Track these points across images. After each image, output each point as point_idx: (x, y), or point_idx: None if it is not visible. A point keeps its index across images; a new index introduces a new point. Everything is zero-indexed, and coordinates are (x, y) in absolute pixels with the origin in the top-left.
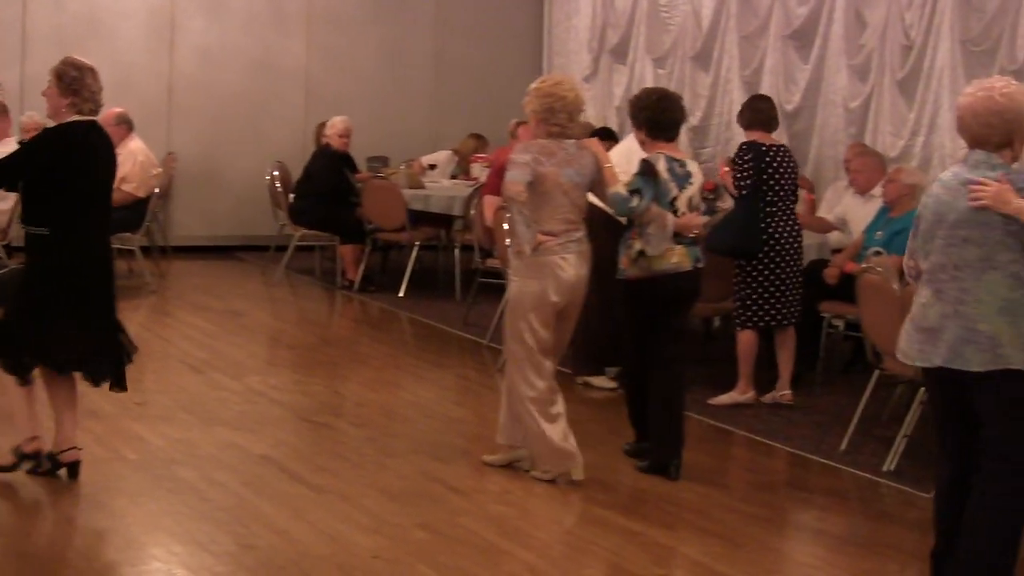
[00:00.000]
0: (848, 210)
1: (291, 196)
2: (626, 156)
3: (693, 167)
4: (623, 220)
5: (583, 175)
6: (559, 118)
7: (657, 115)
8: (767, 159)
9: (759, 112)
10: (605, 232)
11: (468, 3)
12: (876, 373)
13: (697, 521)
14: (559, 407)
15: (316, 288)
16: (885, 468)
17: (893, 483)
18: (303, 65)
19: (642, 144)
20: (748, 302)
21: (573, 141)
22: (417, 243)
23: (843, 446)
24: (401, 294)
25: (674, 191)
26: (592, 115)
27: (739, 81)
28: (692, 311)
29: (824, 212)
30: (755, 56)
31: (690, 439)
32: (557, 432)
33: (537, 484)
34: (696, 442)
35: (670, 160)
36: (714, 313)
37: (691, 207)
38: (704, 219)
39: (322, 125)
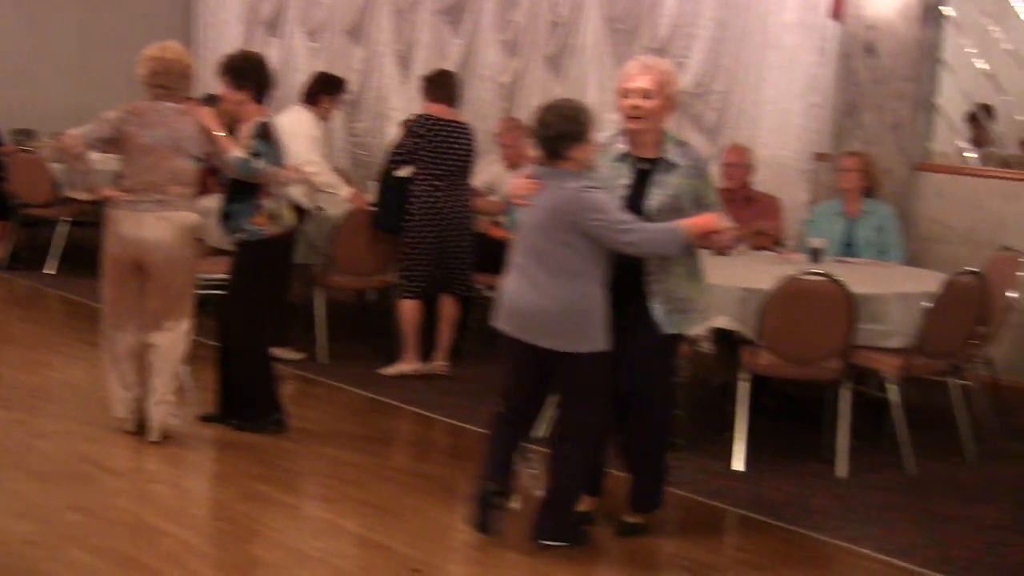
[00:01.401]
0: (498, 181)
1: None
2: (289, 129)
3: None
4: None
5: (176, 139)
6: (160, 79)
7: (265, 80)
8: (443, 133)
9: (444, 87)
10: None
11: None
12: None
13: (355, 493)
14: (132, 363)
15: None
16: (539, 435)
17: (545, 448)
18: None
19: (240, 104)
20: (409, 272)
21: (174, 105)
22: (67, 218)
23: None
24: (51, 271)
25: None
26: None
27: (393, 55)
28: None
29: (475, 183)
30: (408, 31)
31: (346, 411)
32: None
33: (195, 462)
34: (352, 414)
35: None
36: (368, 286)
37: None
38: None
39: None
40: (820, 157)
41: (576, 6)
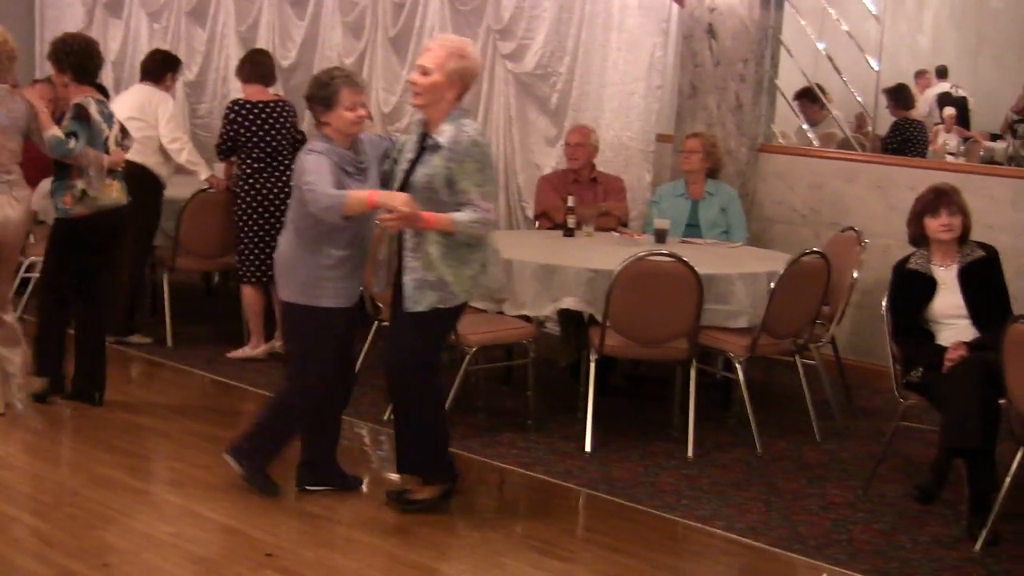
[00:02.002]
0: None
1: None
2: (138, 105)
3: (114, 107)
4: (66, 161)
5: (12, 119)
6: None
7: (85, 60)
8: (262, 116)
9: (258, 66)
10: (144, 194)
11: None
12: (375, 324)
13: (206, 477)
14: None
15: None
16: (386, 417)
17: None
18: None
19: (65, 87)
20: (246, 258)
21: (5, 86)
22: None
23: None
24: None
25: (105, 131)
26: None
27: (235, 37)
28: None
29: None
30: (251, 12)
31: (193, 394)
32: None
33: (43, 448)
34: (199, 397)
35: (98, 103)
36: (213, 269)
37: (116, 143)
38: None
39: None
40: (663, 139)
41: None
